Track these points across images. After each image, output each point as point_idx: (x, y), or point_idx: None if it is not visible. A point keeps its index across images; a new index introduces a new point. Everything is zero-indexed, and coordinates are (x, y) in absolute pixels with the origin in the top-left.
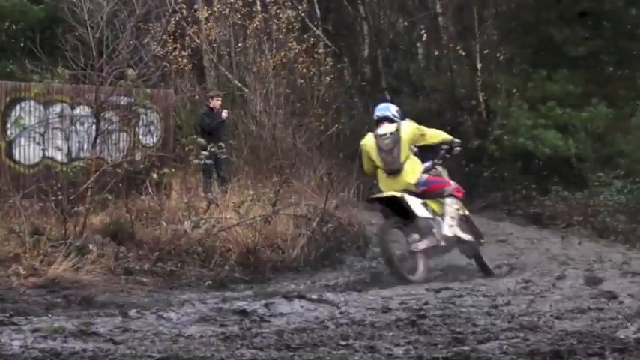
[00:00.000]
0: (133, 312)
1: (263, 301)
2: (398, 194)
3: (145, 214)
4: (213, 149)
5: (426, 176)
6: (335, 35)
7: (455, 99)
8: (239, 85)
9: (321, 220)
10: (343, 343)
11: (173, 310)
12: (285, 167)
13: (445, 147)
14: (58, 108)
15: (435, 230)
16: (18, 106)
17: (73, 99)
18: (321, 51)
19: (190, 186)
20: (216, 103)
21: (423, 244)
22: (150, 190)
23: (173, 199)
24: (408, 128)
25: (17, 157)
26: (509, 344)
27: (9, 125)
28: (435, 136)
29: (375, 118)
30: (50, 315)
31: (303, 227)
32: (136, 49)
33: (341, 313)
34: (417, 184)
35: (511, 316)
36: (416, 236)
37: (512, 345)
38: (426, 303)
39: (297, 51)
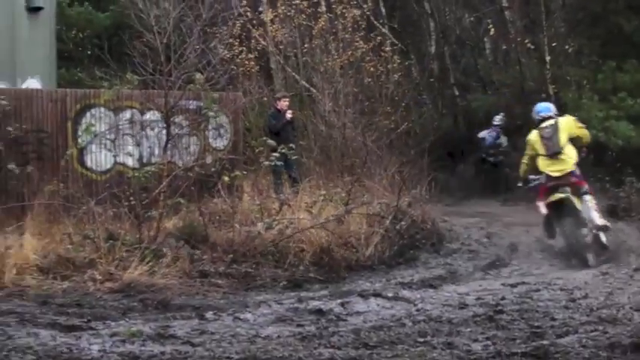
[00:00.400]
0: (209, 314)
1: (339, 301)
2: (564, 195)
3: (217, 217)
4: (283, 150)
5: (578, 170)
6: (401, 33)
7: (524, 93)
8: (307, 85)
9: (395, 217)
10: (421, 340)
11: (249, 312)
12: (356, 166)
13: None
14: (127, 114)
15: (587, 221)
16: (88, 114)
17: (142, 104)
18: (387, 49)
19: (262, 188)
20: (283, 104)
21: (589, 237)
22: (222, 193)
23: (245, 201)
24: (566, 120)
25: (89, 164)
26: (588, 338)
27: (80, 132)
28: (585, 134)
29: (539, 117)
30: (127, 319)
31: (377, 225)
32: (204, 53)
33: (417, 310)
34: (573, 173)
35: (589, 309)
36: (585, 230)
37: (592, 338)
38: (503, 298)
39: (363, 50)
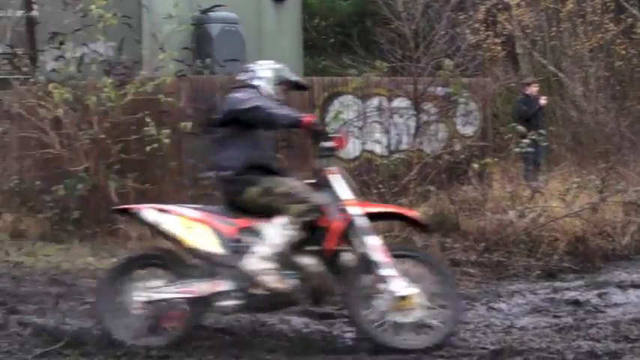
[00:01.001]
0: (462, 303)
1: (596, 291)
2: None
3: (467, 205)
4: (534, 137)
5: None
6: None
7: None
8: (554, 70)
9: None
10: None
11: (503, 301)
12: (609, 153)
13: None
14: (375, 101)
15: None
16: (336, 101)
17: (390, 91)
18: (639, 31)
19: (512, 175)
20: (532, 89)
21: None
22: (472, 181)
23: (495, 188)
24: None
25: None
26: None
27: (328, 120)
28: None
29: None
30: None
31: (633, 214)
32: (452, 38)
33: None
34: None
35: None
36: None
37: None
38: None
39: (613, 32)
